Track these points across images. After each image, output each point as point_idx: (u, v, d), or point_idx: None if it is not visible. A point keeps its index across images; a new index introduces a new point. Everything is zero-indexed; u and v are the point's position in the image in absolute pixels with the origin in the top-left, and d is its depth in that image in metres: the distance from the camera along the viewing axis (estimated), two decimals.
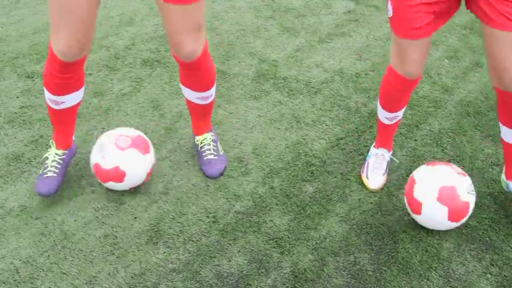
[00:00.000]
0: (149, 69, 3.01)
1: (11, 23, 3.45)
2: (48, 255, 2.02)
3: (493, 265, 1.99)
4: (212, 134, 2.40)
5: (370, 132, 2.55)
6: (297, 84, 2.89)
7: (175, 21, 1.90)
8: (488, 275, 1.95)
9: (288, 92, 2.83)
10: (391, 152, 2.35)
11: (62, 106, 2.10)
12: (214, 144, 2.37)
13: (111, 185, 2.17)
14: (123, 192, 2.24)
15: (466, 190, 1.99)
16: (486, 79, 2.89)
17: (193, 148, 2.44)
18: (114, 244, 2.06)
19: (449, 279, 1.94)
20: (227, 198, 2.23)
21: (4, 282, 1.93)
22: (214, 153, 2.35)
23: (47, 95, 2.08)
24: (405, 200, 2.08)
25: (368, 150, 2.40)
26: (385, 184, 2.28)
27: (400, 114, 2.20)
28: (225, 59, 3.07)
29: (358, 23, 3.42)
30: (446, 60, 3.08)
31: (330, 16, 3.51)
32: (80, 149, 2.44)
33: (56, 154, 2.24)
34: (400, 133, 2.54)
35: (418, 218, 2.05)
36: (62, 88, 2.04)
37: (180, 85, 2.23)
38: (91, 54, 3.09)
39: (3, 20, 3.48)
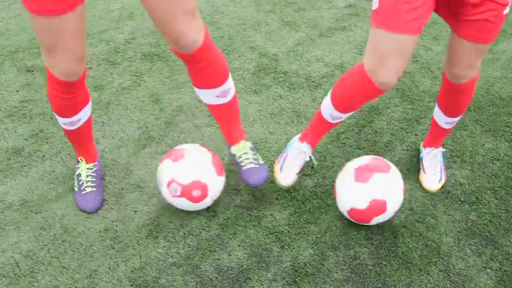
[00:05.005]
0: (149, 63, 3.00)
1: (10, 17, 3.44)
2: (49, 249, 2.02)
3: (493, 260, 1.99)
4: (249, 141, 2.24)
5: (371, 126, 2.55)
6: (298, 78, 2.88)
7: (163, 10, 1.70)
8: (488, 270, 1.96)
9: (288, 87, 2.82)
10: (312, 150, 2.20)
11: (79, 124, 2.02)
12: (253, 152, 2.22)
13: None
14: (123, 187, 2.24)
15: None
16: (486, 74, 2.89)
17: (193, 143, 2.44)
18: (114, 238, 2.06)
19: (449, 274, 1.94)
20: (227, 192, 2.23)
21: (4, 276, 1.93)
22: (255, 161, 2.18)
23: (61, 120, 1.98)
24: None
25: (365, 145, 2.40)
26: (295, 182, 2.19)
27: (346, 116, 2.02)
28: (225, 53, 3.06)
29: (358, 17, 3.41)
30: None
31: (330, 10, 3.50)
32: None
33: (88, 169, 2.20)
34: (401, 127, 2.54)
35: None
36: (74, 108, 1.95)
37: (195, 91, 2.02)
38: (91, 48, 3.09)
39: (3, 14, 3.48)
